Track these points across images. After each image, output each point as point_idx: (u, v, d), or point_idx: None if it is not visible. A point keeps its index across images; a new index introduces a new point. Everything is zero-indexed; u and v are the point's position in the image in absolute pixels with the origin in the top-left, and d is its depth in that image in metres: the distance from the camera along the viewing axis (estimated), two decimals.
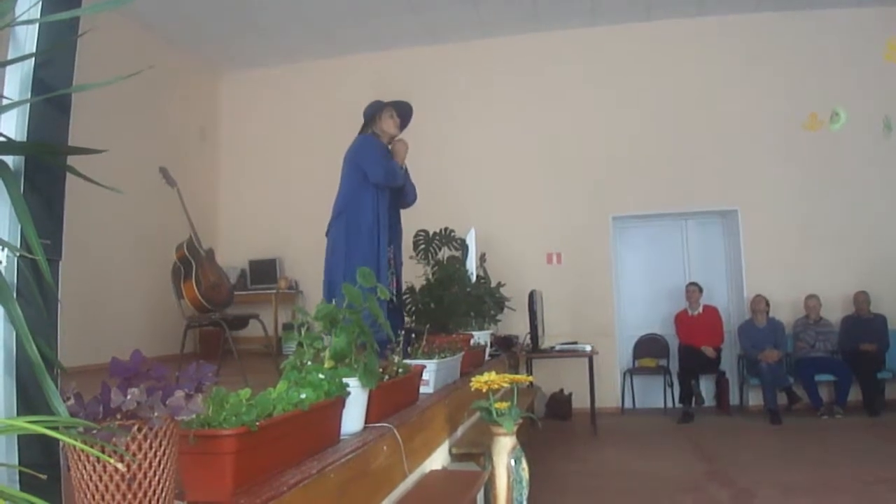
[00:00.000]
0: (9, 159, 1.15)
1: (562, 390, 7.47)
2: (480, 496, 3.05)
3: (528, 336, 6.83)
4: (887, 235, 7.34)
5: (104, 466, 1.12)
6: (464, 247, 6.07)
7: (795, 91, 7.63)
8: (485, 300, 5.59)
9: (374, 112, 4.54)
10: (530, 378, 5.94)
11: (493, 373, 3.06)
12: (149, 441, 1.16)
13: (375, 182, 4.27)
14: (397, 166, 4.48)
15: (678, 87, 7.91)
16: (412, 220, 6.22)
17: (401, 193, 4.62)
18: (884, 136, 7.45)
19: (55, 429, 0.95)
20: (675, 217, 8.13)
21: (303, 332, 2.23)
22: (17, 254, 1.16)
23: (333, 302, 2.33)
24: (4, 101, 1.18)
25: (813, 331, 7.18)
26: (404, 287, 5.09)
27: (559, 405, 7.36)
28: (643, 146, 7.90)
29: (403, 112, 4.63)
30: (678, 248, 8.25)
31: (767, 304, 7.29)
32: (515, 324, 7.12)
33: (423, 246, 5.88)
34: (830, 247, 7.44)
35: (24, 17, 1.21)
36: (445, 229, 6.10)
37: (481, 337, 5.16)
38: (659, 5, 7.64)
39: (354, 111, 4.54)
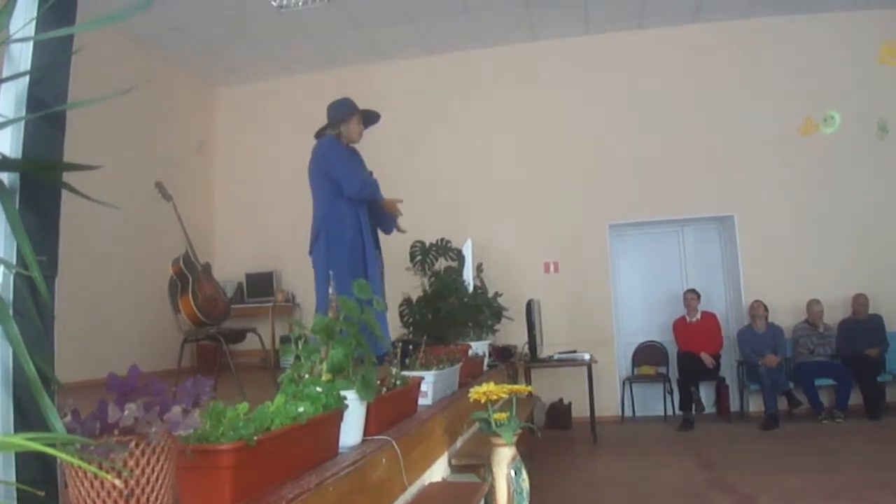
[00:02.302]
0: (4, 176, 1.15)
1: (561, 399, 7.46)
2: None
3: (527, 345, 6.83)
4: (884, 237, 7.37)
5: (102, 482, 1.11)
6: (460, 257, 6.07)
7: (790, 95, 7.68)
8: (482, 310, 5.58)
9: (344, 114, 4.32)
10: (529, 388, 5.91)
11: (492, 383, 3.06)
12: (146, 457, 1.15)
13: (350, 196, 4.08)
14: (374, 181, 4.28)
15: (673, 94, 7.94)
16: (408, 231, 6.24)
17: (379, 214, 4.43)
18: (878, 138, 7.50)
19: (52, 445, 0.95)
20: (672, 224, 8.15)
21: (300, 346, 2.23)
22: (13, 271, 1.16)
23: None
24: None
25: (816, 336, 7.18)
26: (401, 298, 5.10)
27: (559, 415, 7.35)
28: (638, 153, 7.92)
29: (370, 121, 4.46)
30: (675, 254, 8.26)
31: (766, 309, 7.29)
32: (513, 333, 7.10)
33: (419, 257, 5.88)
34: (827, 250, 7.46)
35: (19, 35, 1.21)
36: (442, 240, 6.10)
37: (479, 347, 5.15)
38: (652, 13, 7.69)
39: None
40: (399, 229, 4.62)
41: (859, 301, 7.19)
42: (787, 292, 7.46)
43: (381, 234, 4.58)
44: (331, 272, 3.97)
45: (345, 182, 4.08)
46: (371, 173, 4.39)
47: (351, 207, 4.10)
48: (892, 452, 5.35)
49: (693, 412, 7.13)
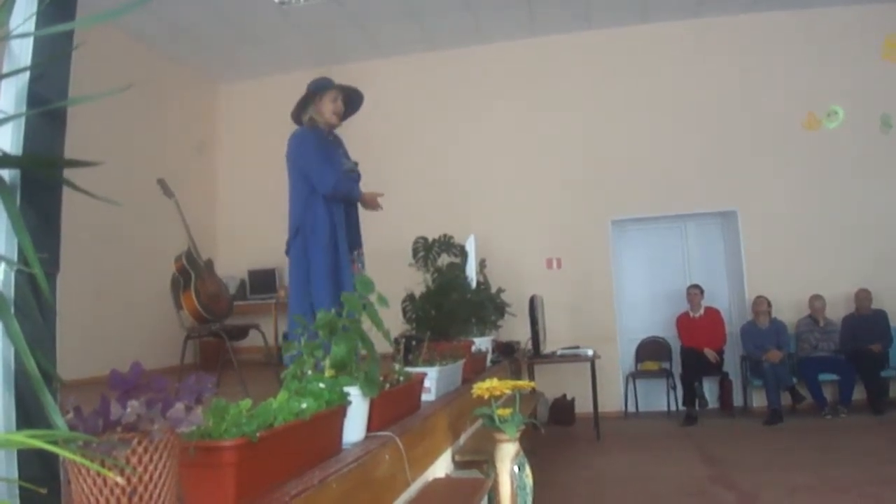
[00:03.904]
0: (5, 173, 1.15)
1: (564, 395, 7.45)
2: (484, 503, 3.04)
3: (530, 341, 6.82)
4: (887, 232, 7.34)
5: (104, 480, 1.11)
6: (463, 253, 6.06)
7: (793, 90, 7.66)
8: (485, 306, 5.58)
9: (315, 90, 3.95)
10: (532, 384, 5.89)
11: (495, 379, 3.06)
12: (149, 454, 1.15)
13: (324, 194, 3.75)
14: (353, 176, 3.95)
15: (675, 90, 7.93)
16: (411, 228, 6.23)
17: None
18: (882, 133, 7.47)
19: (54, 442, 0.95)
20: (675, 219, 8.14)
21: (302, 342, 2.23)
22: (15, 267, 1.16)
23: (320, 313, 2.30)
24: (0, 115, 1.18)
25: (818, 332, 7.17)
26: (404, 294, 5.07)
27: (562, 410, 7.34)
28: (641, 149, 7.91)
29: (352, 101, 4.06)
30: (678, 250, 8.25)
31: (769, 304, 7.27)
32: (516, 329, 7.10)
33: (422, 253, 5.87)
34: (830, 245, 7.44)
35: (20, 31, 1.21)
36: (444, 236, 6.10)
37: (482, 343, 5.15)
38: (654, 8, 7.66)
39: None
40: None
41: (862, 296, 7.17)
42: (790, 287, 7.45)
43: (363, 233, 4.22)
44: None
45: (317, 180, 3.76)
46: (356, 164, 4.10)
47: (326, 206, 3.79)
48: (895, 448, 5.34)
49: (696, 408, 7.13)
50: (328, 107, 3.92)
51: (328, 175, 3.75)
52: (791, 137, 7.64)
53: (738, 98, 7.78)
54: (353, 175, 4.04)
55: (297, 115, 4.06)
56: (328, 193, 3.77)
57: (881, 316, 7.12)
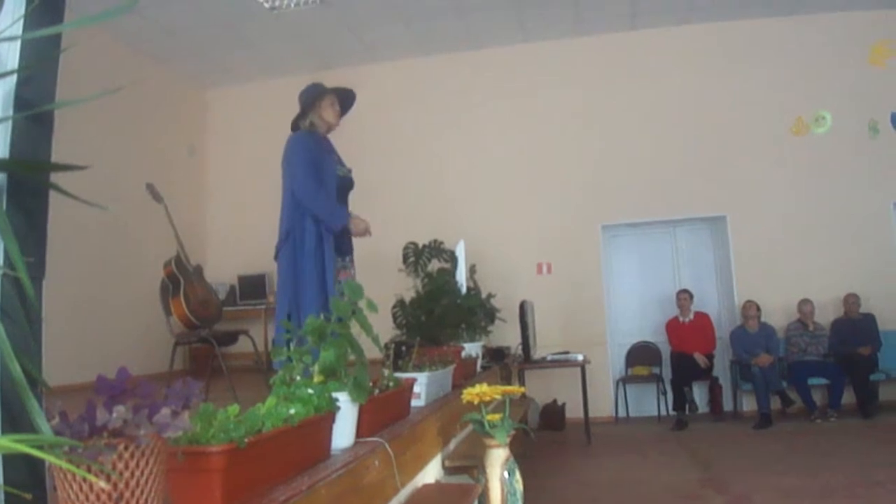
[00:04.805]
0: None
1: (555, 401, 7.46)
2: None
3: (520, 347, 6.82)
4: (875, 237, 7.41)
5: (90, 485, 1.10)
6: (453, 258, 6.05)
7: (781, 96, 7.72)
8: (475, 311, 5.57)
9: (313, 98, 4.02)
10: (522, 389, 5.91)
11: (485, 384, 3.05)
12: (135, 459, 1.14)
13: (300, 200, 3.75)
14: (346, 181, 3.96)
15: (664, 95, 7.97)
16: (401, 233, 6.22)
17: (346, 194, 4.10)
18: (869, 138, 7.54)
19: (40, 448, 0.94)
20: (665, 224, 8.17)
21: (291, 347, 2.22)
22: (0, 272, 1.15)
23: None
24: None
25: (808, 336, 7.21)
26: (394, 300, 5.07)
27: (552, 416, 7.35)
28: (631, 154, 7.94)
29: (345, 101, 4.13)
30: (668, 255, 8.28)
31: (758, 309, 7.31)
32: (507, 335, 7.11)
33: (412, 258, 5.87)
34: (819, 250, 7.49)
35: (7, 34, 1.20)
36: (434, 241, 6.10)
37: (472, 349, 5.14)
38: (644, 14, 7.71)
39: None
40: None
41: (850, 300, 7.22)
42: (779, 292, 7.49)
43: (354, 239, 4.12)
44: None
45: (308, 203, 3.77)
46: (350, 171, 4.11)
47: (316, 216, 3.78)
48: (885, 451, 5.37)
49: (687, 412, 7.14)
50: (328, 111, 4.01)
51: (320, 200, 3.75)
52: (780, 143, 7.70)
53: (727, 103, 7.82)
54: (346, 181, 4.03)
55: (297, 123, 4.12)
56: (317, 213, 3.74)
57: (870, 320, 7.17)
